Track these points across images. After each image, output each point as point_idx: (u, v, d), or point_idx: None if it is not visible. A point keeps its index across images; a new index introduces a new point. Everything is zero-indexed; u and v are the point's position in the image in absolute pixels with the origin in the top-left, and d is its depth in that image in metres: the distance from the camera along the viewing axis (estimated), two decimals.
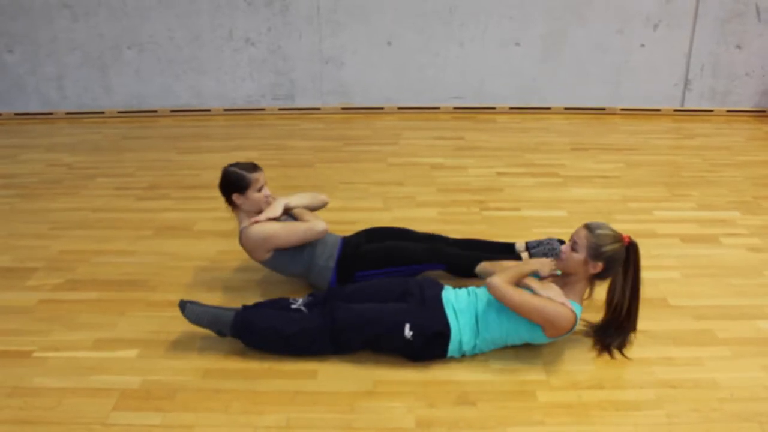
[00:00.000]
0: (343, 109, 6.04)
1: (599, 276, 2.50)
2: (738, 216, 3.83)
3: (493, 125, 5.68)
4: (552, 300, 2.42)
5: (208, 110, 6.06)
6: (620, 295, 2.53)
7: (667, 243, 3.50)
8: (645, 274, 3.14)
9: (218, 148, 5.16)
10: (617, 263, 2.47)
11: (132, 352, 2.62)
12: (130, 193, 4.27)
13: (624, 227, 3.65)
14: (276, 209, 2.91)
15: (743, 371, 2.49)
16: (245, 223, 2.90)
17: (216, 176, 4.49)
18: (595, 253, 2.44)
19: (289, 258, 2.92)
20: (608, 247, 2.44)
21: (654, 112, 5.95)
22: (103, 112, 6.05)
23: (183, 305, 2.60)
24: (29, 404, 2.34)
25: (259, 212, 2.90)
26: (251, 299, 2.96)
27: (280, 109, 6.03)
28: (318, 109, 6.03)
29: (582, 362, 2.54)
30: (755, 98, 5.88)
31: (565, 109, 5.98)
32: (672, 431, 2.19)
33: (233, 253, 3.42)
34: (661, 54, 5.76)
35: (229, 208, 2.95)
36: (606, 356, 2.57)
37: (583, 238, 2.46)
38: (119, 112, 6.05)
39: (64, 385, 2.43)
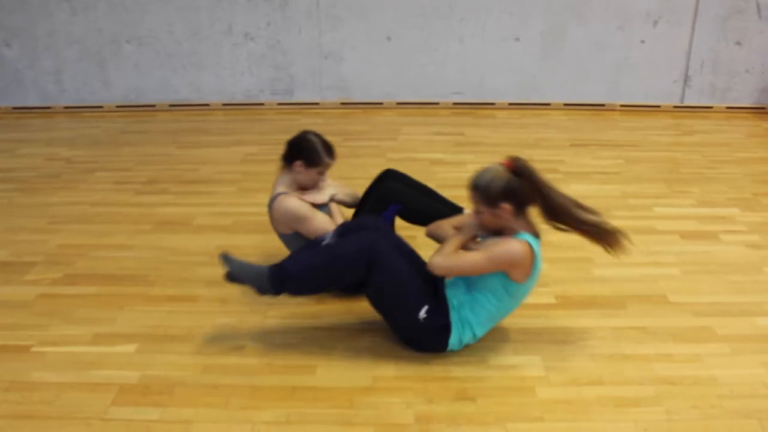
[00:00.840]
0: (342, 104, 6.03)
1: (518, 209, 2.37)
2: (737, 213, 3.83)
3: (493, 121, 5.68)
4: (497, 242, 2.36)
5: (207, 105, 6.04)
6: (547, 213, 2.38)
7: (667, 240, 3.50)
8: (645, 271, 3.17)
9: (217, 142, 5.15)
10: (518, 189, 2.34)
11: (131, 347, 2.61)
12: (128, 187, 4.26)
13: (624, 223, 3.64)
14: (324, 197, 2.90)
15: (743, 368, 2.49)
16: (282, 189, 2.84)
17: (215, 170, 4.54)
18: (491, 201, 2.34)
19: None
20: (495, 187, 2.33)
21: (653, 109, 5.95)
22: (101, 107, 6.04)
23: (226, 257, 2.53)
24: (27, 399, 2.33)
25: (303, 188, 2.87)
26: (251, 295, 2.95)
27: (279, 104, 6.03)
28: (317, 104, 6.02)
29: (581, 358, 2.54)
30: (755, 95, 5.88)
31: (565, 105, 5.97)
32: (671, 428, 2.19)
33: (232, 248, 3.40)
34: (661, 50, 5.76)
35: (281, 164, 2.90)
36: (606, 352, 2.57)
37: (473, 199, 2.39)
38: (118, 107, 6.04)
39: (63, 380, 2.42)
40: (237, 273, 2.55)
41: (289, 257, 2.57)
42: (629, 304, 2.90)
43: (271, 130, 5.45)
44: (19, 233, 3.63)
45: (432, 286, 2.55)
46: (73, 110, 6.03)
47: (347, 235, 2.54)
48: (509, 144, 5.04)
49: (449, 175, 4.41)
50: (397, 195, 2.91)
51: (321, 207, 2.88)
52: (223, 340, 2.65)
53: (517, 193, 2.35)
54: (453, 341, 2.49)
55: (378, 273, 2.43)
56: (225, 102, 6.04)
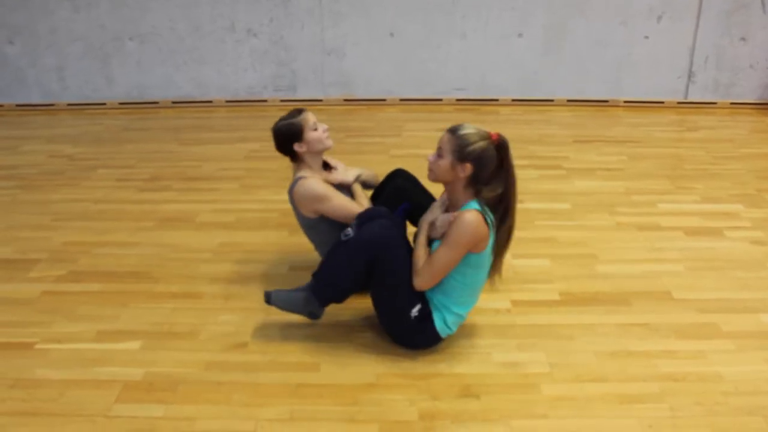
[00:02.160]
0: (345, 100, 6.02)
1: (476, 180, 2.34)
2: (741, 209, 3.82)
3: (496, 117, 5.67)
4: (451, 227, 2.31)
5: (210, 101, 6.04)
6: (494, 198, 2.34)
7: (671, 236, 3.49)
8: (649, 267, 3.17)
9: (220, 139, 5.14)
10: (486, 161, 2.31)
11: (134, 344, 2.62)
12: (131, 184, 4.26)
13: (628, 220, 3.67)
14: (348, 175, 2.89)
15: (747, 365, 2.48)
16: (303, 173, 2.81)
17: (218, 167, 4.54)
18: (460, 154, 2.30)
19: (328, 229, 2.82)
20: (473, 146, 2.29)
21: (657, 105, 5.92)
22: (104, 104, 6.04)
23: (268, 295, 2.56)
24: (32, 396, 2.34)
25: (320, 154, 2.84)
26: (254, 291, 2.97)
27: (282, 101, 6.01)
28: (320, 100, 6.01)
29: (585, 355, 2.54)
30: (759, 91, 5.86)
31: (568, 101, 5.96)
32: (675, 425, 2.19)
33: (235, 245, 3.41)
34: (664, 46, 5.73)
35: (291, 163, 2.87)
36: (609, 349, 2.56)
37: (446, 142, 2.34)
38: (121, 104, 6.04)
39: (67, 377, 2.43)
40: (286, 308, 2.57)
41: (319, 265, 2.56)
42: (633, 300, 2.90)
43: None
44: (22, 230, 3.63)
45: None
46: (75, 107, 6.03)
47: (364, 226, 2.50)
48: (513, 140, 4.93)
49: None
50: (407, 194, 2.91)
51: (344, 190, 2.86)
52: (227, 337, 2.65)
53: (484, 164, 2.32)
54: (439, 325, 2.48)
55: (383, 265, 2.42)
56: (228, 99, 6.04)
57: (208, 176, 4.38)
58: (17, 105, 6.05)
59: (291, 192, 2.83)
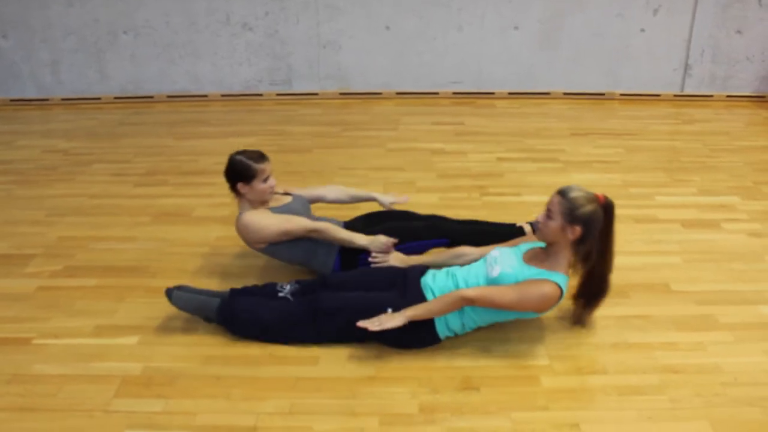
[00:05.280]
0: (341, 94, 6.00)
1: (581, 241, 2.39)
2: (738, 201, 3.83)
3: (493, 110, 5.66)
4: (531, 282, 2.36)
5: (206, 96, 6.01)
6: (596, 258, 2.42)
7: (669, 228, 3.49)
8: (647, 260, 3.18)
9: (216, 133, 5.12)
10: (595, 224, 2.37)
11: (132, 339, 2.60)
12: (127, 179, 4.24)
13: (625, 212, 3.67)
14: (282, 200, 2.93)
15: (746, 356, 2.49)
16: (242, 208, 2.86)
17: (214, 162, 4.52)
18: (570, 217, 2.35)
19: (286, 247, 2.86)
20: (583, 209, 2.34)
21: (654, 98, 5.92)
22: (99, 98, 6.00)
23: (170, 292, 2.60)
24: (29, 391, 2.33)
25: (263, 203, 2.86)
26: (251, 285, 2.95)
27: (277, 95, 5.99)
28: (316, 94, 5.99)
29: (585, 347, 2.54)
30: (755, 83, 5.86)
31: (565, 94, 5.95)
32: (675, 416, 2.19)
33: (232, 239, 3.40)
34: (661, 39, 5.73)
35: (232, 194, 2.89)
36: (609, 341, 2.56)
37: (556, 204, 2.38)
38: (115, 98, 6.00)
39: (65, 372, 2.42)
40: (182, 307, 2.61)
41: (242, 300, 2.60)
42: (632, 292, 2.90)
43: (270, 121, 5.42)
44: (17, 226, 3.61)
45: (398, 287, 2.55)
46: (70, 102, 5.99)
47: (298, 297, 2.58)
48: (510, 133, 5.03)
49: (450, 165, 4.40)
50: (446, 230, 2.94)
51: (286, 209, 2.91)
52: (225, 331, 2.64)
53: (592, 227, 2.36)
54: (440, 329, 2.48)
55: (332, 321, 2.47)
56: (223, 93, 6.01)
57: (204, 170, 4.36)
58: (11, 100, 6.01)
59: (237, 230, 2.87)
